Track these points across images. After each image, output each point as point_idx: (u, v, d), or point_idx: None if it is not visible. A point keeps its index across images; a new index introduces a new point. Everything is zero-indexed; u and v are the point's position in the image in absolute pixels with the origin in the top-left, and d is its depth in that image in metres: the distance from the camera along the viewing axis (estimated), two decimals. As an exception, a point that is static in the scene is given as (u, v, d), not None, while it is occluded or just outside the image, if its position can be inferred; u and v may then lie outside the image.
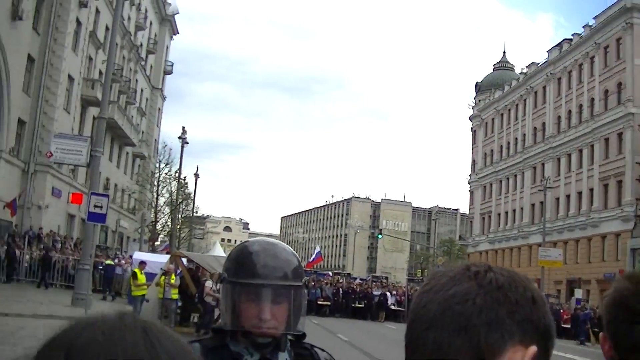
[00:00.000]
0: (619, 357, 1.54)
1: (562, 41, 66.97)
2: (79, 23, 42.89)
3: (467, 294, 1.01)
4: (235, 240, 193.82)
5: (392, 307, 40.67)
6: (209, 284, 21.46)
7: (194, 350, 2.00)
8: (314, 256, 48.54)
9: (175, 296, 21.66)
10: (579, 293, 49.10)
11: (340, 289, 41.63)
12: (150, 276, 23.30)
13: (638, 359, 1.50)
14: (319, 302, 39.19)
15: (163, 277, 21.33)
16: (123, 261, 33.60)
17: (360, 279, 58.06)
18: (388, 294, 41.44)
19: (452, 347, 0.98)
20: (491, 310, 1.00)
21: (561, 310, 40.53)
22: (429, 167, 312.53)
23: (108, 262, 31.60)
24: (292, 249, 2.33)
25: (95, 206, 22.28)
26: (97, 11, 47.27)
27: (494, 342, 0.98)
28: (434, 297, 1.03)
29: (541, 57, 76.07)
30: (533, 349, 0.99)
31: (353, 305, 40.26)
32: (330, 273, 60.68)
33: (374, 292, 41.57)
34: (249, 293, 2.15)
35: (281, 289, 2.17)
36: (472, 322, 0.99)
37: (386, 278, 66.04)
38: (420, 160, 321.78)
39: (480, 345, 0.98)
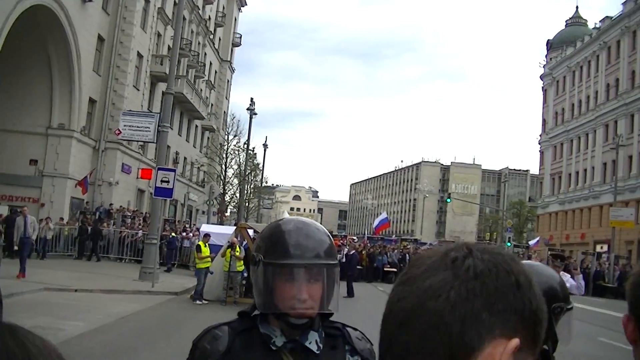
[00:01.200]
0: None
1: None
2: (147, 0, 43.64)
3: (441, 287, 0.93)
4: (305, 209, 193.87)
5: (460, 271, 40.58)
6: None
7: (222, 334, 2.15)
8: (378, 222, 47.91)
9: (241, 268, 21.13)
10: (650, 254, 47.97)
11: (407, 255, 41.28)
12: (216, 248, 22.98)
13: None
14: (385, 269, 39.45)
15: (228, 249, 20.96)
16: (191, 234, 33.94)
17: (430, 244, 57.58)
18: (455, 258, 41.24)
19: (424, 349, 0.91)
20: (466, 304, 0.91)
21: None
22: (499, 128, 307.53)
23: (172, 234, 32.30)
24: (324, 229, 2.26)
25: (162, 181, 22.77)
26: (166, -13, 47.69)
27: (469, 341, 0.90)
28: (409, 290, 0.96)
29: (615, 10, 72.87)
30: (514, 342, 0.91)
31: (420, 270, 40.03)
32: (394, 237, 59.98)
33: (442, 257, 41.41)
34: (285, 274, 2.09)
35: (317, 267, 2.11)
36: (445, 320, 0.90)
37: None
38: (490, 122, 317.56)
39: (453, 345, 0.90)
